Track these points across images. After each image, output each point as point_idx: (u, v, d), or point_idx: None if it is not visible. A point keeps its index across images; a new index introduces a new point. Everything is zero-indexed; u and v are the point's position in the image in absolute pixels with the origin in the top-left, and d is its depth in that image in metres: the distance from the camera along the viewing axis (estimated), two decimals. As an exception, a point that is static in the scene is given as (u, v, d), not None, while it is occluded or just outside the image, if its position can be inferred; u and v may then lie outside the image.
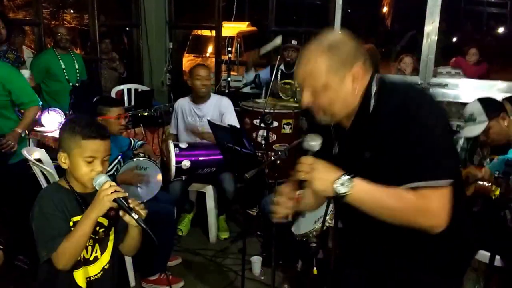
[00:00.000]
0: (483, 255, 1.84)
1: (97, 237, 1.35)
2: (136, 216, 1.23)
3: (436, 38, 3.47)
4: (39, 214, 1.28)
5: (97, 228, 1.33)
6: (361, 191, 1.07)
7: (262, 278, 2.58)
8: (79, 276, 1.35)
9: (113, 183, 1.26)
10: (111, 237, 1.40)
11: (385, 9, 7.14)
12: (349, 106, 1.16)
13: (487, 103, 2.00)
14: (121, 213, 1.25)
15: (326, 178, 1.08)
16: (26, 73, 3.25)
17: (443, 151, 1.08)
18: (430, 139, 1.07)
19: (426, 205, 1.05)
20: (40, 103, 2.80)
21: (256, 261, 2.61)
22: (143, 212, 1.26)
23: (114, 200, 1.23)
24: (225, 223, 3.13)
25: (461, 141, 2.20)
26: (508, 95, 2.43)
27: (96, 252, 1.37)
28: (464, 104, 3.12)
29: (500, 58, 7.70)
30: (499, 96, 2.31)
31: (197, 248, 2.91)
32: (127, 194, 1.26)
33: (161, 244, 2.41)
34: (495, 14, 9.08)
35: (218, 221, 3.08)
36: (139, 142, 2.72)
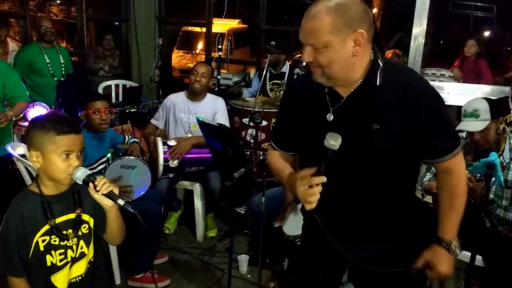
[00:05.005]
0: (465, 254, 1.88)
1: (68, 239, 1.33)
2: (122, 202, 1.24)
3: (424, 40, 3.52)
4: (1, 233, 1.28)
5: (65, 231, 1.31)
6: None
7: (249, 276, 2.59)
8: (59, 279, 1.33)
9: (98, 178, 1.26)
10: (92, 230, 1.39)
11: (374, 10, 7.20)
12: (348, 70, 1.16)
13: (494, 103, 2.04)
14: (91, 191, 1.25)
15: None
16: None
17: (454, 131, 1.30)
18: (443, 120, 1.20)
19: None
20: (29, 99, 2.79)
21: (243, 260, 2.61)
22: (116, 190, 1.27)
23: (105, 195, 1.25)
24: (213, 222, 3.12)
25: (463, 135, 2.17)
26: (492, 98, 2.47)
27: (82, 248, 1.36)
28: (449, 106, 3.19)
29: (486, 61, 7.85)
30: None
31: (184, 246, 2.90)
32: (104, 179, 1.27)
33: (148, 242, 2.41)
34: (481, 18, 9.27)
35: (206, 219, 3.07)
36: (132, 140, 2.67)
